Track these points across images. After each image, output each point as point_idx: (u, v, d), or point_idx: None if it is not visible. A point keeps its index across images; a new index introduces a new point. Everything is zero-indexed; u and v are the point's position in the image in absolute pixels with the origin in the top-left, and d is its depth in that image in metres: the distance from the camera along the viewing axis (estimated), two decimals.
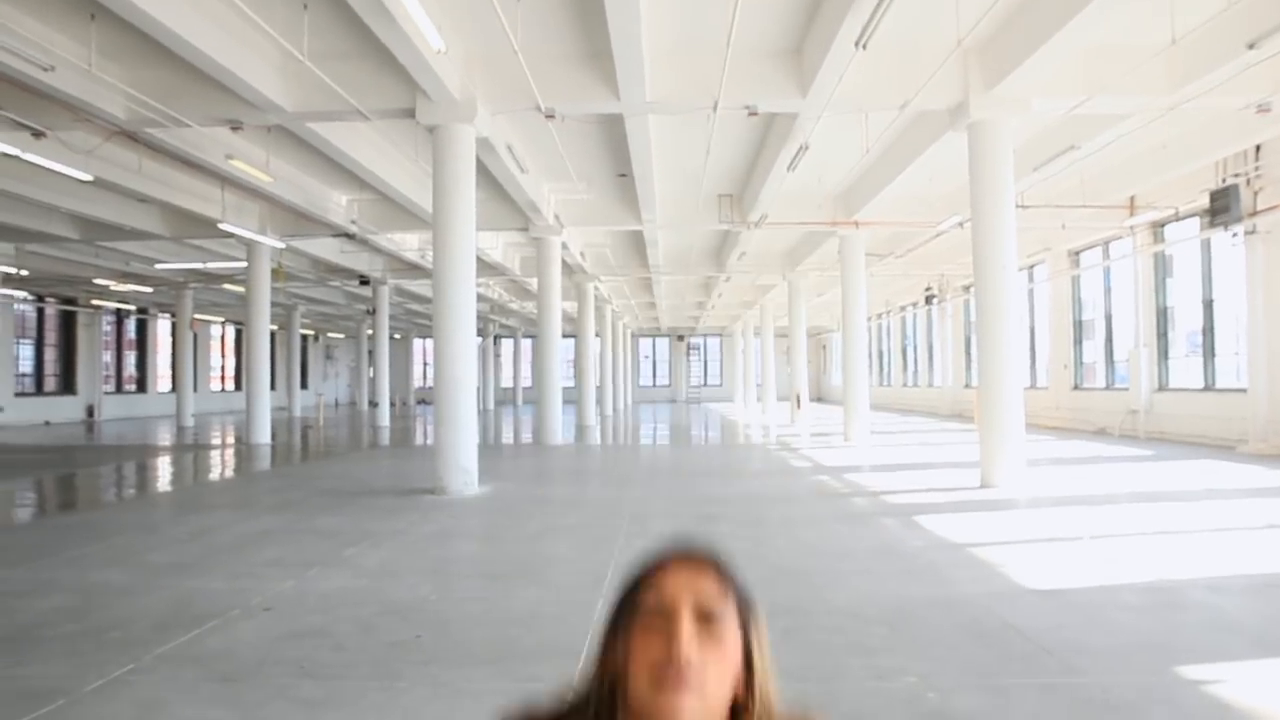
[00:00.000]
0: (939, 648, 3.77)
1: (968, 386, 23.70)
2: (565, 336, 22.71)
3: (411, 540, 6.46)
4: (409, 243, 19.18)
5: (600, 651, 0.98)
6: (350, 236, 16.46)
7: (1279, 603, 4.46)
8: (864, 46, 7.14)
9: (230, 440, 18.27)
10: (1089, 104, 9.23)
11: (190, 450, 15.84)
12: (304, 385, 38.35)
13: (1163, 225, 15.02)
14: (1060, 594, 4.63)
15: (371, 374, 30.99)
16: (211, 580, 5.13)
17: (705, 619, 0.95)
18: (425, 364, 46.27)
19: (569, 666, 3.35)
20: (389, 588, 4.95)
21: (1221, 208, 12.66)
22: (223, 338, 35.86)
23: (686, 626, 0.93)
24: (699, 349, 46.78)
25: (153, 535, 6.72)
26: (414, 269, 21.72)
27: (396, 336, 41.95)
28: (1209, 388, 14.12)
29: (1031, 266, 19.95)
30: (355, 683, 3.37)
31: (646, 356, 47.95)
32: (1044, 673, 3.43)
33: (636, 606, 0.96)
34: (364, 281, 22.96)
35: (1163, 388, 15.19)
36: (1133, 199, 14.53)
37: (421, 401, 41.55)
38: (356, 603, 4.61)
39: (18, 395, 22.85)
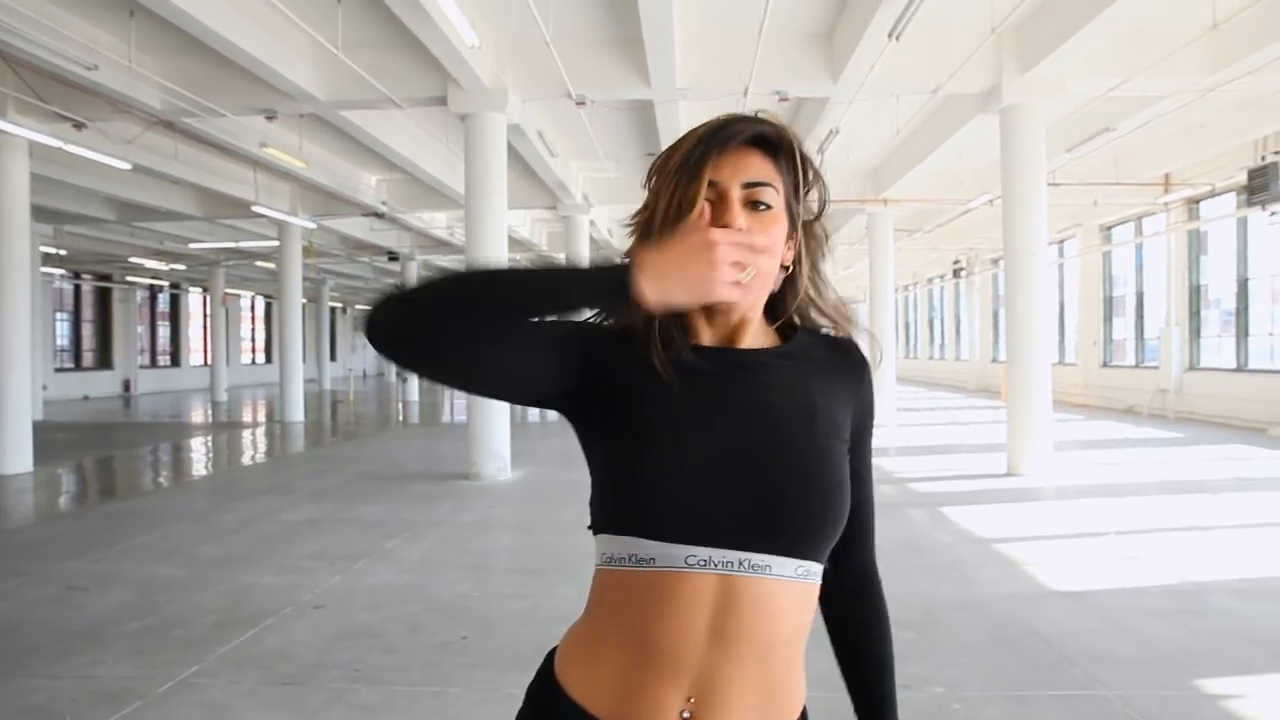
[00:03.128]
0: (965, 655, 3.90)
1: (995, 361, 23.58)
2: None
3: (451, 531, 6.67)
4: (438, 220, 19.32)
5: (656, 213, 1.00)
6: (380, 216, 16.62)
7: None
8: (897, 38, 7.12)
9: (264, 418, 18.67)
10: (1126, 86, 9.10)
11: (227, 429, 16.23)
12: (333, 357, 38.84)
13: (1198, 202, 14.79)
14: (1085, 596, 4.74)
15: None
16: (263, 574, 5.36)
17: (754, 204, 0.98)
18: None
19: None
20: (433, 584, 5.15)
21: (1260, 186, 12.46)
22: (253, 309, 36.38)
23: (736, 206, 0.96)
24: None
25: (202, 524, 6.98)
26: (443, 245, 21.88)
27: None
28: (1241, 368, 14.01)
29: (1062, 241, 19.75)
30: (407, 688, 3.56)
31: None
32: (1066, 684, 3.55)
33: (687, 194, 0.97)
34: (393, 257, 23.16)
35: (1194, 367, 15.09)
36: (1167, 176, 14.32)
37: None
38: (403, 600, 4.81)
39: (58, 370, 23.38)
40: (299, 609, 4.64)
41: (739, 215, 0.96)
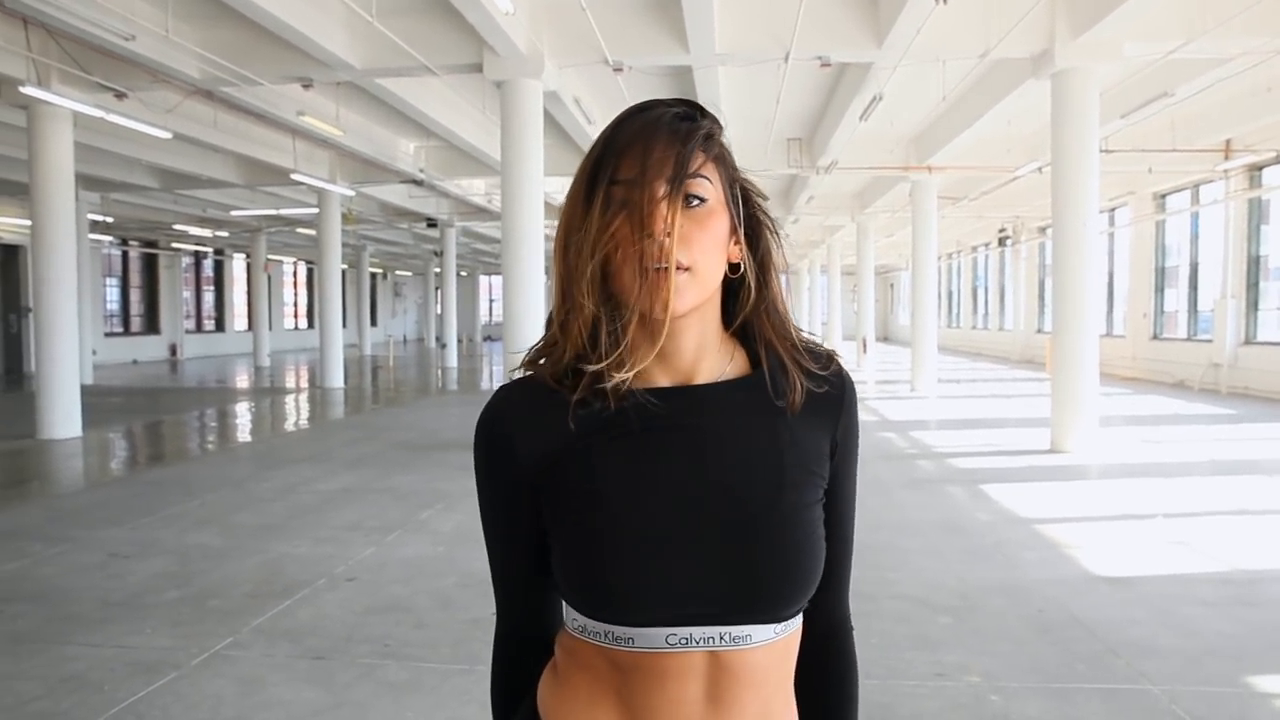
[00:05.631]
0: (1003, 643, 3.80)
1: (1040, 331, 23.06)
2: None
3: None
4: (476, 187, 19.29)
5: (573, 261, 0.85)
6: (418, 183, 16.63)
7: None
8: (945, 1, 6.84)
9: (305, 384, 18.93)
10: (1188, 48, 8.67)
11: (268, 394, 16.49)
12: (374, 322, 39.28)
13: (1260, 169, 14.19)
14: (1130, 583, 4.59)
15: (439, 311, 31.48)
16: (298, 545, 5.42)
17: (684, 194, 0.84)
18: (491, 300, 46.90)
19: None
20: (464, 556, 5.15)
21: None
22: (295, 274, 36.83)
23: (662, 206, 0.83)
24: None
25: (240, 492, 7.08)
26: (481, 212, 21.88)
27: (463, 274, 42.47)
28: None
29: (1113, 209, 19.13)
30: (437, 665, 3.56)
31: None
32: (1109, 677, 3.43)
33: (606, 200, 0.84)
34: (431, 224, 23.23)
35: (1250, 341, 14.58)
36: (1228, 142, 13.72)
37: (488, 339, 42.22)
38: (435, 573, 4.82)
39: (107, 335, 23.91)
40: (332, 581, 4.68)
41: (664, 216, 0.82)
